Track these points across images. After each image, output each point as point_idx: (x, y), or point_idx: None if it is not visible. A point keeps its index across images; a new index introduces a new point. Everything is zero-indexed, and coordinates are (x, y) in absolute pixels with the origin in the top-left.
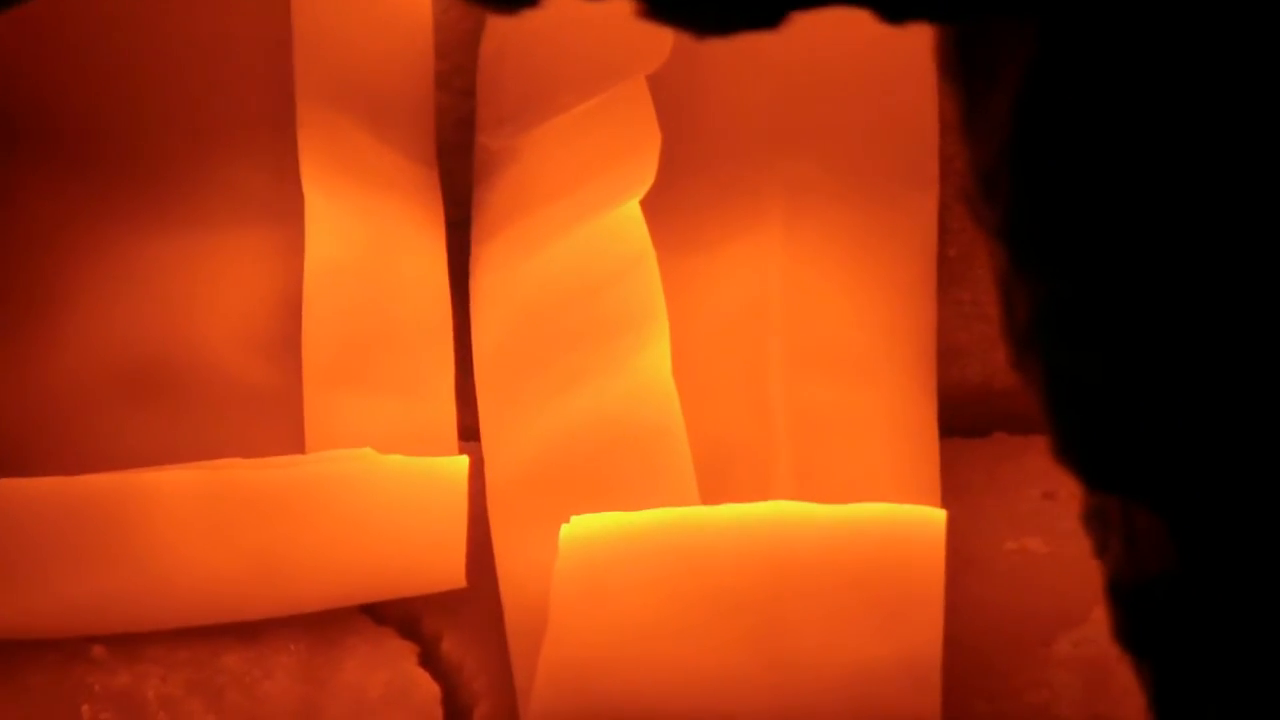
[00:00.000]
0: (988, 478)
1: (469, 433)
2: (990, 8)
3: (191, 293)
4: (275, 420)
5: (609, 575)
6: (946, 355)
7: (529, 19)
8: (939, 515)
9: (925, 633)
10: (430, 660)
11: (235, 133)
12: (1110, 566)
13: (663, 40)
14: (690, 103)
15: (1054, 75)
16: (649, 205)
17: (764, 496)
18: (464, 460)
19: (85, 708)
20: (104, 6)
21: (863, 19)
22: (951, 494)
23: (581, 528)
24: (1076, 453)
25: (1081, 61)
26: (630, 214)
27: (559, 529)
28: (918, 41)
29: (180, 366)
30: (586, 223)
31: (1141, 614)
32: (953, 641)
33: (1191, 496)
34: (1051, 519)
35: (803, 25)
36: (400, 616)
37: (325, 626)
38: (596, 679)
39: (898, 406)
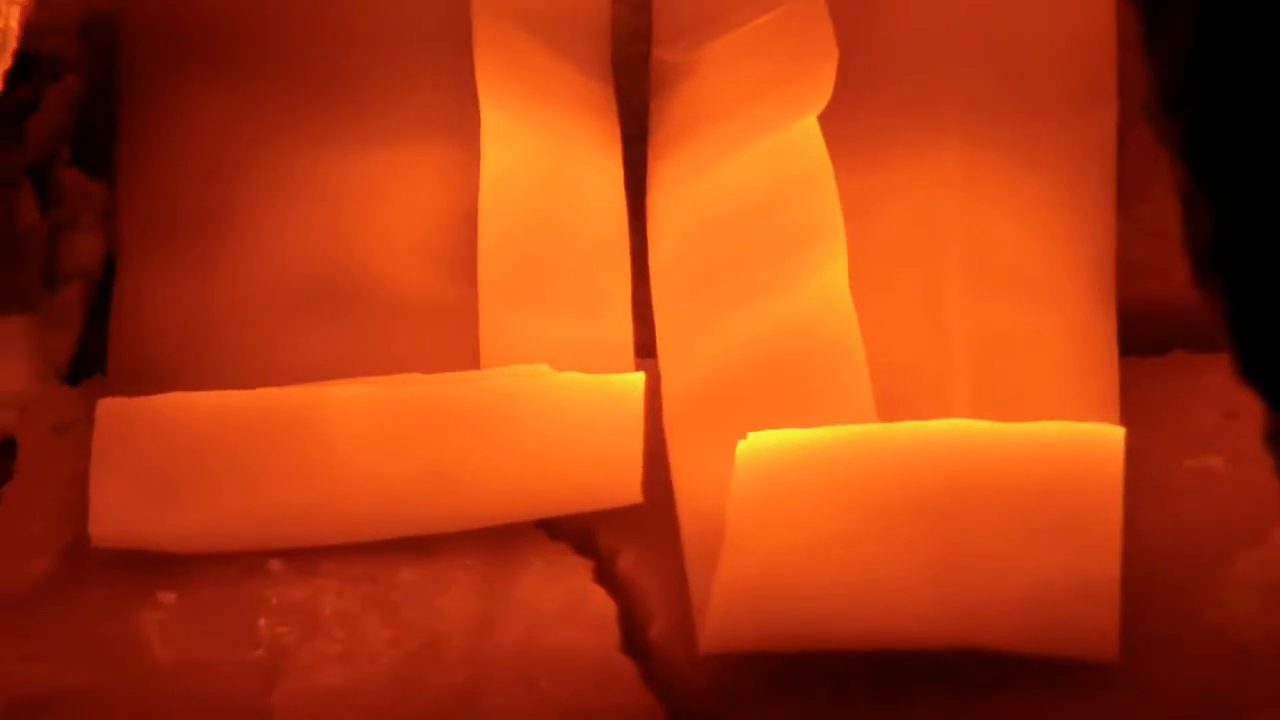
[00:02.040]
0: (1167, 396)
1: (646, 349)
2: None
3: (367, 208)
4: (451, 336)
5: (785, 492)
6: (1126, 272)
7: None
8: (1118, 433)
9: (1104, 550)
10: (606, 576)
11: (410, 48)
12: None
13: None
14: (867, 18)
15: None
16: (826, 121)
17: (941, 415)
18: (640, 377)
19: (262, 621)
20: None
21: None
22: (1131, 412)
23: (758, 444)
24: (1260, 372)
25: None
26: (808, 129)
27: (735, 445)
28: None
29: (356, 282)
30: (763, 138)
31: None
32: (1130, 560)
33: None
34: (1232, 438)
35: None
36: (576, 532)
37: (501, 542)
38: (773, 595)
39: (1077, 324)
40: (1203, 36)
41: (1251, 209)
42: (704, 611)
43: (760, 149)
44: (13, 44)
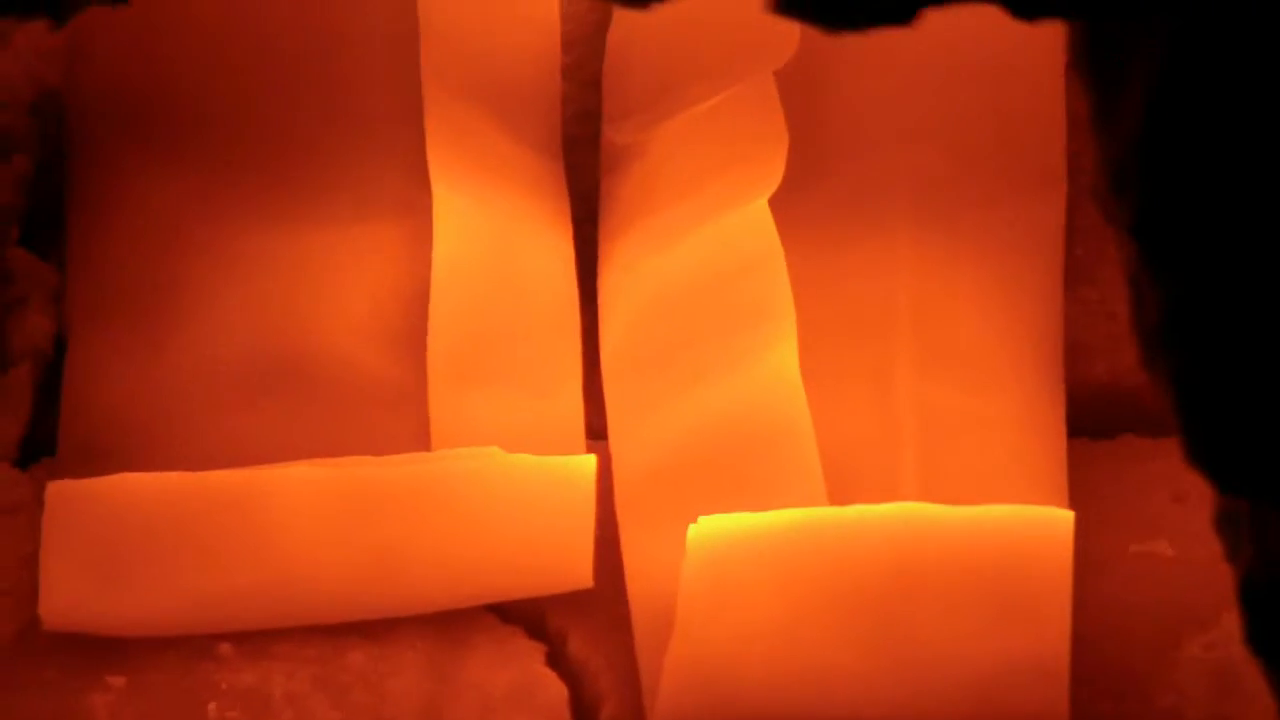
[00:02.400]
0: (1115, 479)
1: (597, 431)
2: (1122, 6)
3: (317, 287)
4: (401, 417)
5: (736, 575)
6: (1074, 354)
7: (657, 12)
8: (1067, 516)
9: (1053, 634)
10: (557, 660)
11: (361, 126)
12: (1241, 570)
13: (790, 36)
14: (817, 101)
15: (1187, 72)
16: (776, 203)
17: (891, 497)
18: (591, 459)
19: (212, 705)
20: None
21: (993, 14)
22: (1079, 495)
23: (709, 527)
24: (1208, 456)
25: (1215, 59)
26: (759, 212)
27: (686, 528)
28: (1046, 37)
29: (305, 362)
30: (714, 220)
31: (1272, 617)
32: (1080, 643)
33: None
34: (1180, 522)
35: (932, 20)
36: (527, 616)
37: (451, 625)
38: (723, 679)
39: (1025, 407)
40: (1153, 117)
41: (1200, 291)
42: (654, 695)
43: (711, 231)
44: None
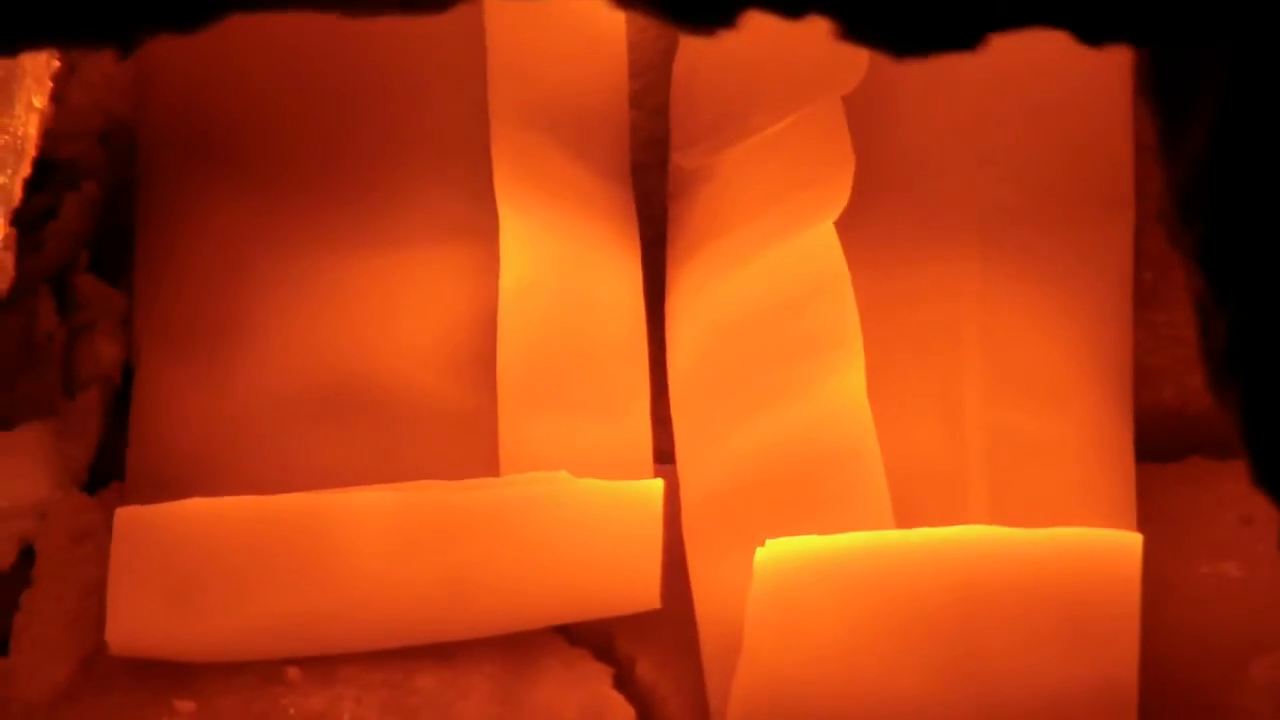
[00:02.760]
0: (1183, 502)
1: (664, 455)
2: (1188, 32)
3: (385, 313)
4: (469, 442)
5: (804, 599)
6: (1141, 378)
7: (723, 38)
8: (1135, 539)
9: (1121, 657)
10: (625, 682)
11: (430, 152)
12: None
13: (858, 61)
14: (884, 124)
15: (1252, 99)
16: (843, 226)
17: (958, 521)
18: (659, 483)
19: None
20: (296, 27)
21: (1060, 40)
22: (1146, 518)
23: (776, 551)
24: (1275, 479)
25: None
26: (825, 235)
27: (754, 552)
28: (1113, 63)
29: (374, 387)
30: (781, 244)
31: None
32: (1148, 666)
33: None
34: (1248, 543)
35: (998, 46)
36: (595, 638)
37: (520, 648)
38: (791, 702)
39: (1094, 431)
40: (1219, 143)
41: (1266, 318)
42: (722, 718)
43: (778, 254)
44: (31, 151)
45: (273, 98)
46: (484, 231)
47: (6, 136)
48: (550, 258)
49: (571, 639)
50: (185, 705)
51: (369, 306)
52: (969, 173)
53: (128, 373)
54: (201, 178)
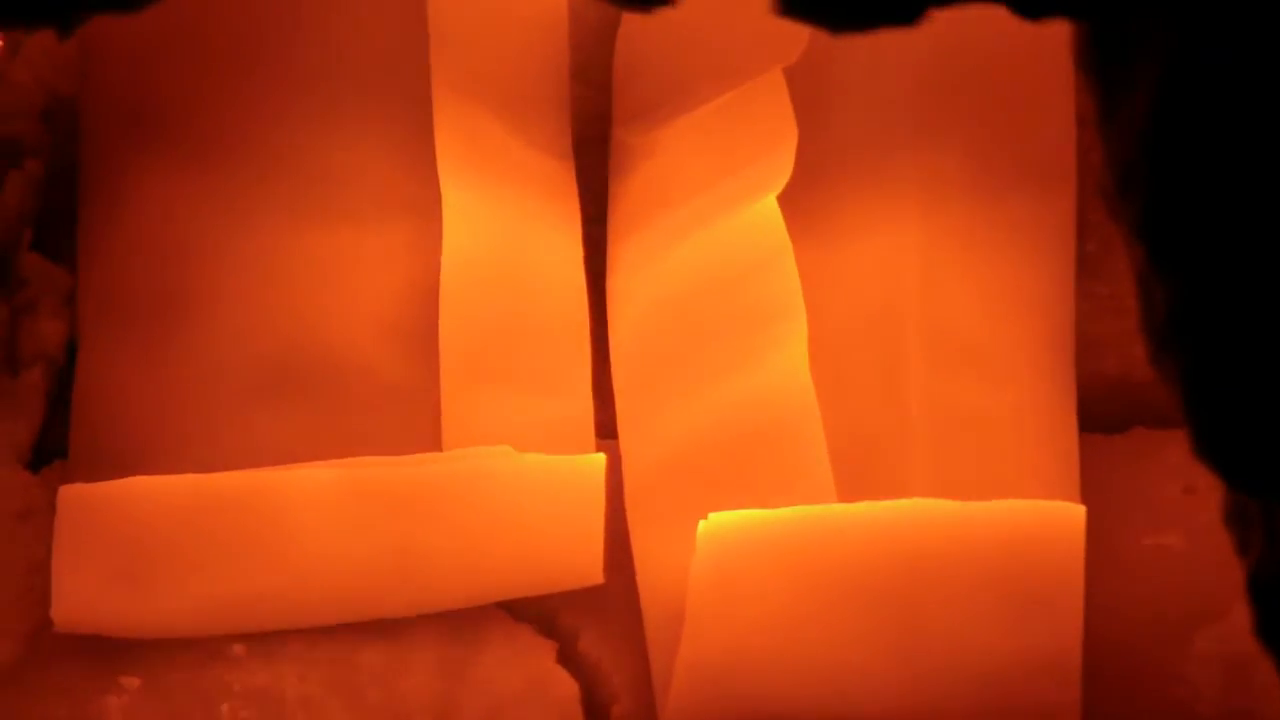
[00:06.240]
0: (1126, 473)
1: (606, 429)
2: (1128, 4)
3: (327, 288)
4: (412, 416)
5: (746, 572)
6: (1084, 349)
7: (662, 14)
8: (1078, 511)
9: (1065, 628)
10: (568, 657)
11: (371, 127)
12: (1251, 564)
13: (799, 33)
14: (826, 96)
15: (1192, 72)
16: (785, 199)
17: (901, 493)
18: (601, 458)
19: (225, 706)
20: (239, 2)
21: (999, 14)
22: (1089, 489)
23: (718, 524)
24: (1216, 452)
25: (1219, 59)
26: (767, 209)
27: (696, 525)
28: (1053, 36)
29: (317, 362)
30: (723, 218)
31: None
32: (1092, 637)
33: None
34: (1191, 514)
35: (939, 18)
36: (538, 614)
37: (463, 623)
38: (734, 675)
39: (1036, 402)
40: (1158, 117)
41: (1207, 290)
42: (666, 692)
43: (720, 229)
44: None
45: (216, 74)
46: (426, 206)
47: None
48: (492, 232)
49: (515, 614)
50: (131, 681)
51: (312, 281)
52: (910, 145)
53: (72, 350)
54: (144, 154)
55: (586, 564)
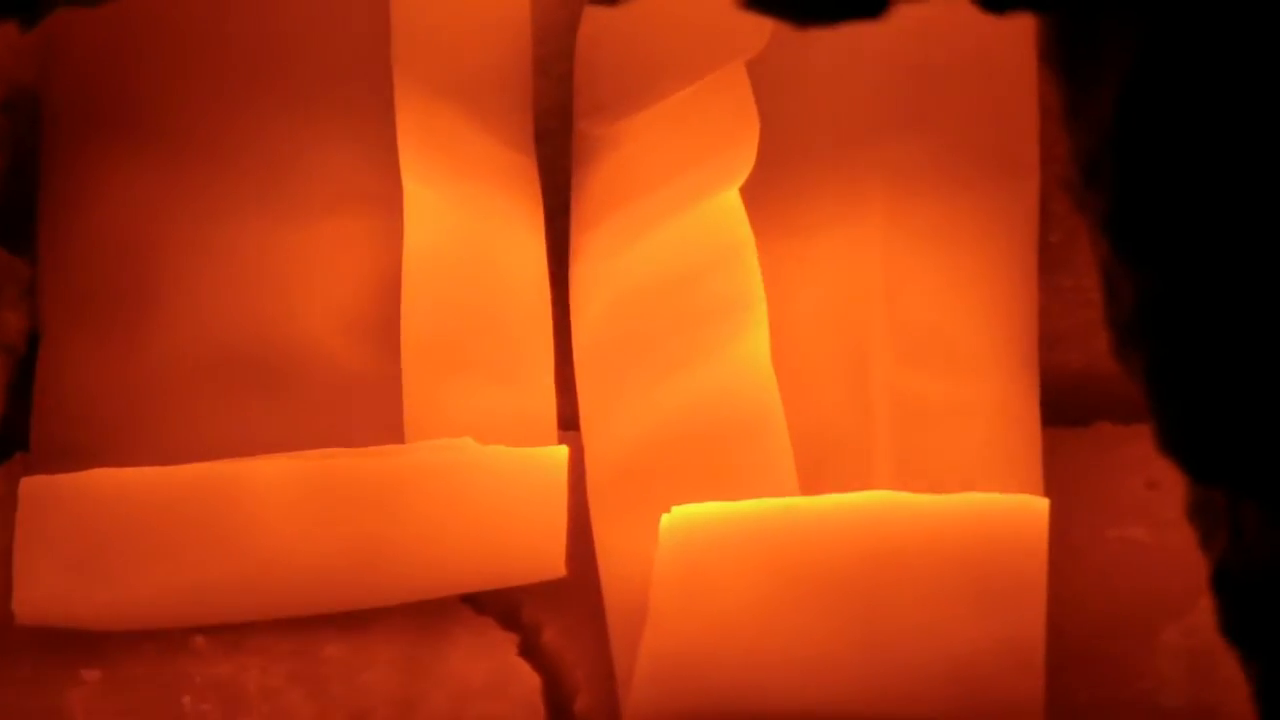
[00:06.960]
0: (1090, 466)
1: (568, 422)
2: None
3: (289, 280)
4: (374, 408)
5: (709, 565)
6: (1048, 341)
7: (626, 7)
8: (1042, 504)
9: (1028, 621)
10: (531, 650)
11: (334, 118)
12: (1216, 558)
13: (762, 26)
14: (789, 89)
15: (1158, 66)
16: (748, 192)
17: (864, 486)
18: (563, 450)
19: (186, 698)
20: None
21: (963, 7)
22: (1054, 483)
23: (681, 517)
24: (1181, 446)
25: (1186, 52)
26: (730, 202)
27: (659, 518)
28: (1018, 28)
29: (278, 355)
30: (686, 211)
31: (1247, 606)
32: (1055, 631)
33: None
34: (1155, 508)
35: (903, 12)
36: (501, 606)
37: (426, 616)
38: (697, 668)
39: (1000, 395)
40: (1125, 111)
41: (1172, 283)
42: (629, 684)
43: (682, 222)
44: None
45: (178, 66)
46: (387, 198)
47: None
48: (454, 225)
49: (478, 607)
50: (92, 674)
51: (274, 273)
52: (874, 137)
53: (33, 342)
54: (106, 145)
55: (549, 557)
